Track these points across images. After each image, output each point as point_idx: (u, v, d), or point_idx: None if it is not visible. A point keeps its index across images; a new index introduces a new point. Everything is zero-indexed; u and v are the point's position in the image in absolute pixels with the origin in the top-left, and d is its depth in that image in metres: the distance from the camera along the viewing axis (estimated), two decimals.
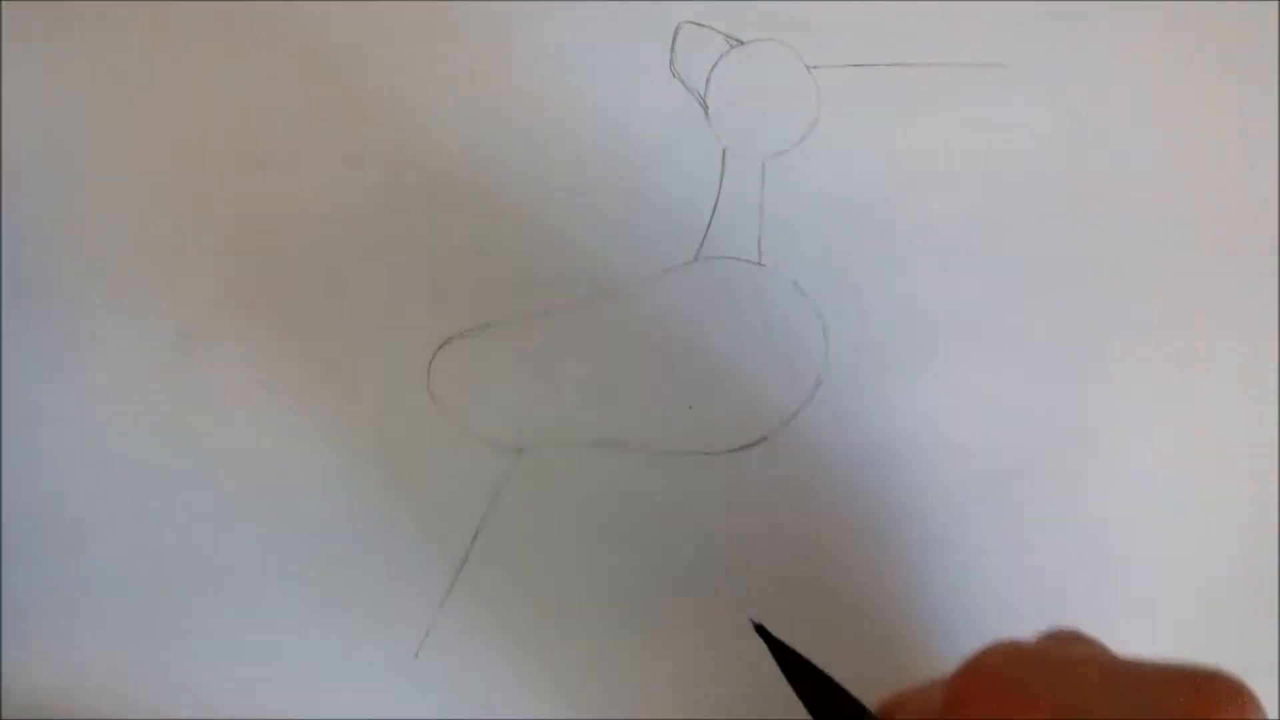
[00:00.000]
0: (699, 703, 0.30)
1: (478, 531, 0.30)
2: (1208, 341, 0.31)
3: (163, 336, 0.30)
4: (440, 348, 0.30)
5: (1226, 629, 0.31)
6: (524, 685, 0.30)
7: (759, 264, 0.31)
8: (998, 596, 0.30)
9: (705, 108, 0.31)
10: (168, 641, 0.30)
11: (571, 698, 0.30)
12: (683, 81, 0.31)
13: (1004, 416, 0.31)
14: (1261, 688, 0.30)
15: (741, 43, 0.31)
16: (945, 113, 0.31)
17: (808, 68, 0.31)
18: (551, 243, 0.31)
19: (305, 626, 0.30)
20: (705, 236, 0.31)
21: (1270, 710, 0.30)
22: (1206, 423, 0.31)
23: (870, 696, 0.25)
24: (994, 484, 0.30)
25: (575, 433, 0.30)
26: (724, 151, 0.31)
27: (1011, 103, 0.31)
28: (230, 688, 0.30)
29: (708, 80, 0.31)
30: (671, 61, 0.31)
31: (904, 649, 0.30)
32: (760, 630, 0.25)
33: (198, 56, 0.31)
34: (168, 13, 0.31)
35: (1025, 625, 0.30)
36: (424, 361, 0.30)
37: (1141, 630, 0.30)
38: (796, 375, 0.31)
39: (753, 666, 0.30)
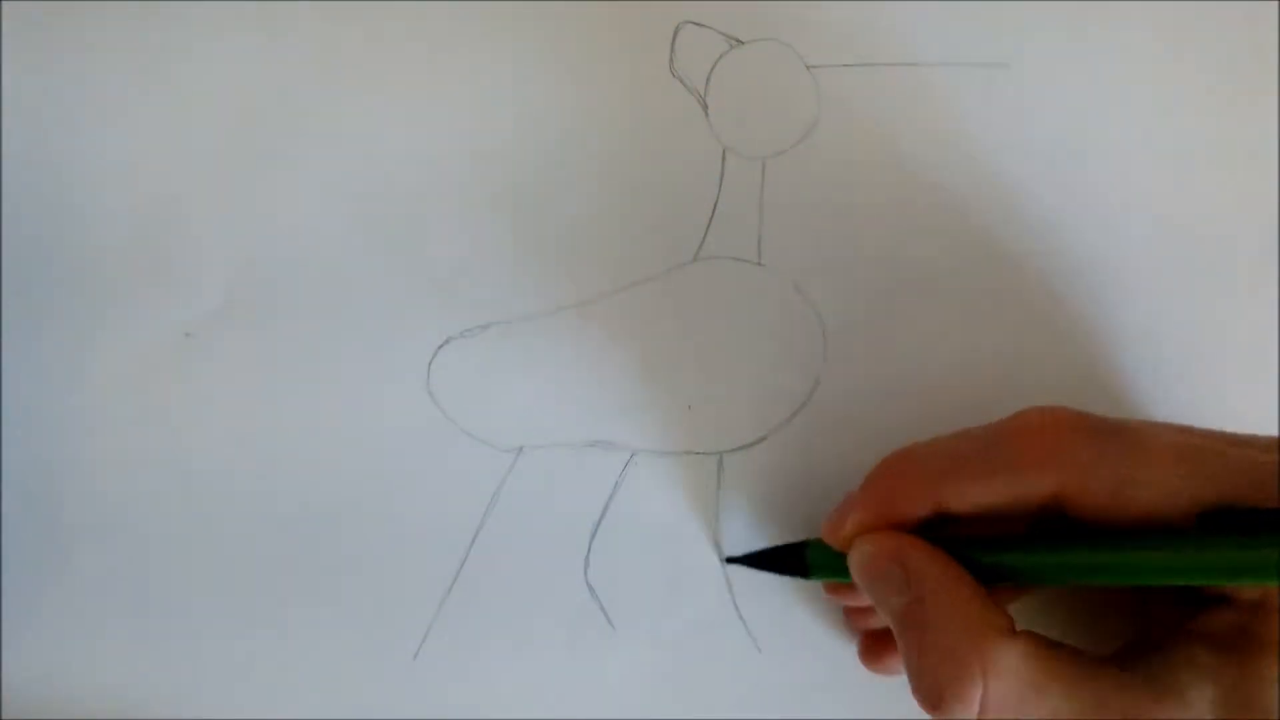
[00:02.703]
0: (694, 704, 0.30)
1: (477, 531, 0.30)
2: (1208, 341, 0.31)
3: (164, 336, 0.30)
4: (440, 348, 0.30)
5: None
6: (523, 685, 0.30)
7: (759, 264, 0.31)
8: None
9: (705, 108, 0.31)
10: (167, 641, 0.30)
11: (570, 698, 0.30)
12: (683, 81, 0.31)
13: (1007, 414, 0.31)
14: None
15: (741, 43, 0.31)
16: (945, 113, 0.31)
17: (808, 68, 0.31)
18: (551, 243, 0.31)
19: (305, 626, 0.30)
20: (705, 236, 0.31)
21: None
22: (1207, 423, 0.31)
23: None
24: None
25: (575, 433, 0.30)
26: (724, 151, 0.31)
27: (1011, 103, 0.31)
28: (230, 688, 0.30)
29: (708, 80, 0.31)
30: (671, 61, 0.31)
31: None
32: (730, 560, 0.30)
33: (198, 56, 0.31)
34: (168, 13, 0.31)
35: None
36: (424, 361, 0.30)
37: None
38: (796, 375, 0.31)
39: (748, 665, 0.30)
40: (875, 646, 0.29)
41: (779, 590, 0.30)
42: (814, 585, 0.30)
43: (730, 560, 0.30)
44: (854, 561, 0.26)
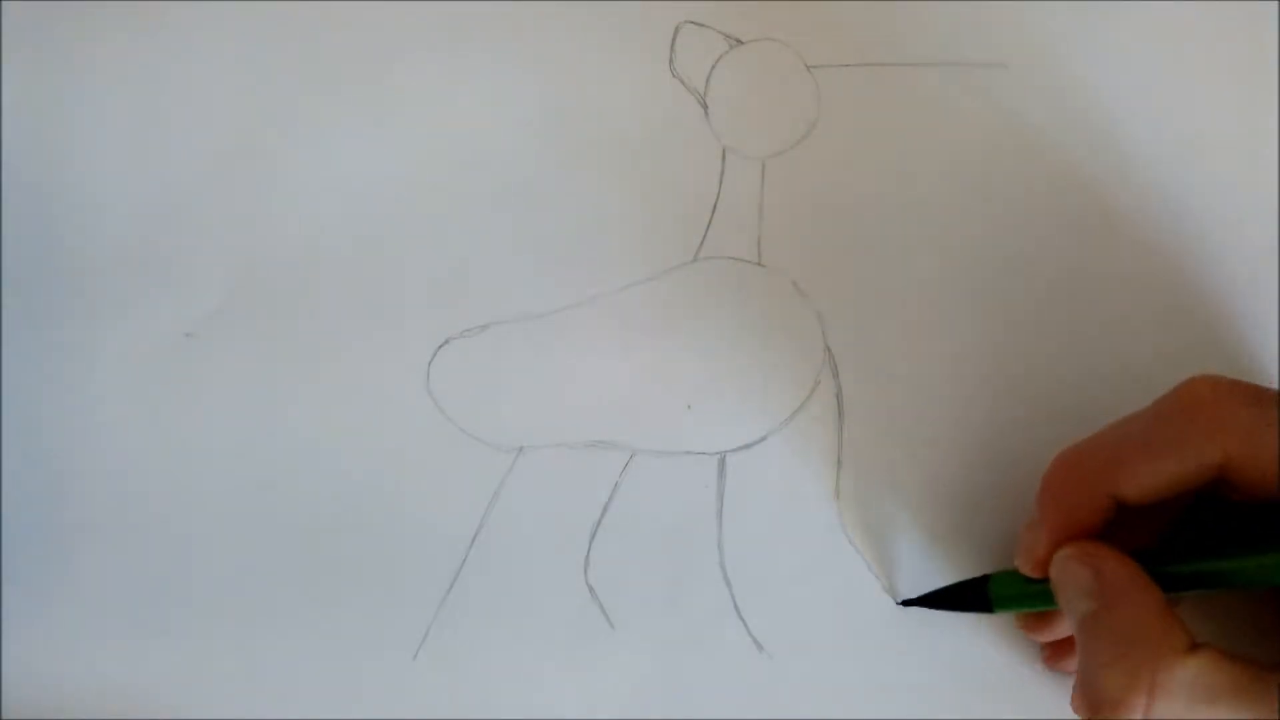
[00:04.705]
0: (695, 704, 0.30)
1: (477, 531, 0.30)
2: (1207, 341, 0.31)
3: (164, 336, 0.30)
4: (440, 348, 0.31)
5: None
6: (523, 685, 0.30)
7: (759, 264, 0.31)
8: None
9: (705, 108, 0.31)
10: (167, 642, 0.30)
11: (570, 698, 0.30)
12: (683, 81, 0.31)
13: (1004, 415, 0.31)
14: None
15: (741, 43, 0.31)
16: (945, 112, 0.31)
17: (808, 68, 0.31)
18: (551, 243, 0.31)
19: (305, 627, 0.30)
20: (705, 236, 0.31)
21: None
22: None
23: None
24: (995, 481, 0.30)
25: (575, 433, 0.30)
26: (724, 151, 0.31)
27: (1011, 103, 0.31)
28: (230, 688, 0.30)
29: (708, 80, 0.31)
30: (671, 61, 0.31)
31: (900, 646, 0.30)
32: (906, 603, 0.29)
33: (198, 57, 0.31)
34: (167, 14, 0.31)
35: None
36: (424, 361, 0.30)
37: None
38: (796, 375, 0.31)
39: (748, 665, 0.30)
40: (1059, 651, 0.29)
41: (779, 590, 0.30)
42: (817, 586, 0.30)
43: (906, 603, 0.29)
44: (1054, 572, 0.26)
